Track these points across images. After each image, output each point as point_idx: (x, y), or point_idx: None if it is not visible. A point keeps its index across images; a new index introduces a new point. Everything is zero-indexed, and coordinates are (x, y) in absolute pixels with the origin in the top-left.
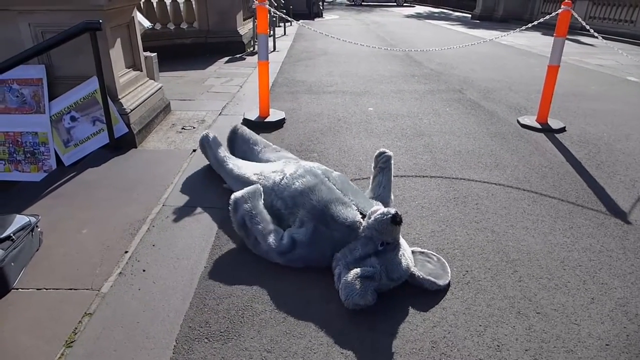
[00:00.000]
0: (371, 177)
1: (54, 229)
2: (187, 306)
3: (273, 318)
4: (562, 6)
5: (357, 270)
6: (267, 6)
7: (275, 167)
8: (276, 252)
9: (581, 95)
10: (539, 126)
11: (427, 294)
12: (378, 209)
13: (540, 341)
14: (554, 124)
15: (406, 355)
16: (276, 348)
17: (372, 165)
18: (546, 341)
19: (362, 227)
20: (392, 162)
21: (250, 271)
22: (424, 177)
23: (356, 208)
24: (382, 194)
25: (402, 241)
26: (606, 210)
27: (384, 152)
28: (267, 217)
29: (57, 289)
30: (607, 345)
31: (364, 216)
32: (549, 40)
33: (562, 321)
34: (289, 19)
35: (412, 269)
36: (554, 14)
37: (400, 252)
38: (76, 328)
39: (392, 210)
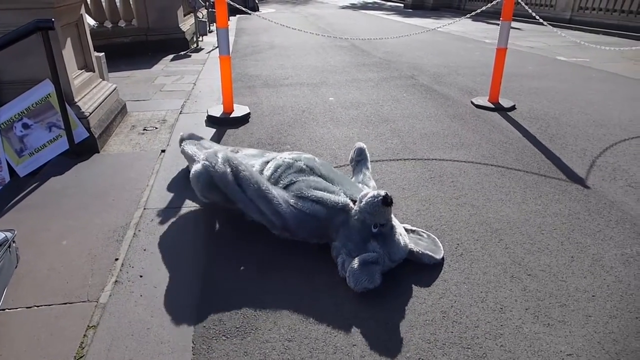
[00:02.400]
0: (351, 169)
1: (29, 243)
2: (196, 304)
3: (286, 308)
4: None
5: (363, 256)
6: None
7: (258, 162)
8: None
9: (521, 75)
10: (492, 106)
11: (425, 270)
12: (367, 192)
13: (537, 299)
14: (505, 103)
15: (421, 327)
16: (296, 336)
17: (349, 159)
18: (541, 299)
19: (353, 211)
20: (367, 152)
21: (251, 264)
22: (397, 160)
23: (345, 195)
24: (363, 180)
25: (395, 221)
26: (566, 178)
27: (357, 146)
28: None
29: (49, 305)
30: (593, 296)
31: (354, 202)
32: (479, 26)
33: (551, 280)
34: (247, 11)
35: (410, 246)
36: (494, 2)
37: (397, 232)
38: (82, 342)
39: (382, 192)
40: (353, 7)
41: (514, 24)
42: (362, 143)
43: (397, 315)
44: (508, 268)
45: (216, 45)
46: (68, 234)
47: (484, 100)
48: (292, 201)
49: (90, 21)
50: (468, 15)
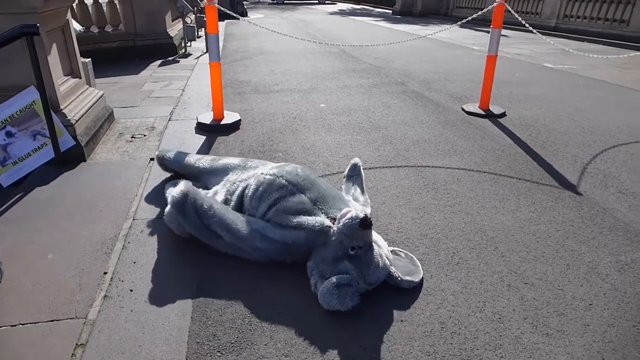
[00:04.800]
0: (344, 182)
1: (13, 257)
2: (188, 321)
3: (281, 322)
4: (497, 0)
5: (332, 280)
6: (216, 4)
7: (239, 177)
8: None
9: (509, 82)
10: (482, 112)
11: (425, 279)
12: (347, 212)
13: (535, 309)
14: (495, 109)
15: (420, 339)
16: (293, 351)
17: (344, 174)
18: (539, 308)
19: (332, 231)
20: (361, 169)
21: (244, 277)
22: (391, 167)
23: (324, 214)
24: (354, 194)
25: (379, 239)
26: (558, 184)
27: (351, 162)
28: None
29: (35, 323)
30: (590, 304)
31: (334, 220)
32: (467, 33)
33: (547, 288)
34: (236, 16)
35: (390, 269)
36: (490, 7)
37: (376, 253)
38: None
39: (361, 214)
40: (342, 13)
41: (502, 32)
42: (357, 159)
43: (395, 326)
44: (505, 277)
45: (205, 51)
46: (54, 247)
47: (474, 107)
48: (270, 234)
49: (76, 26)
50: (458, 23)
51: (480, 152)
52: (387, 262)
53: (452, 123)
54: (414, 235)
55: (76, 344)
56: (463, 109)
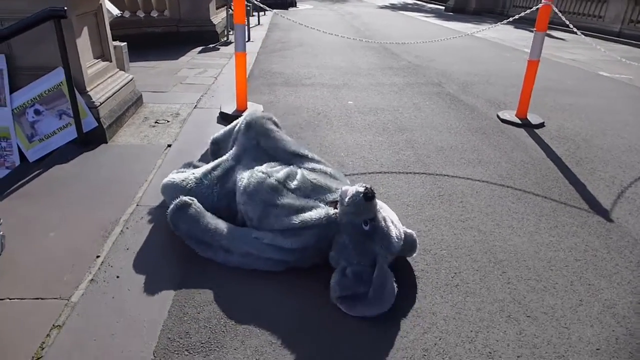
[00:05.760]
0: None
1: (18, 232)
2: (165, 315)
3: (258, 327)
4: (543, 0)
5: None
6: None
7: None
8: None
9: (556, 90)
10: (518, 121)
11: (414, 299)
12: (347, 190)
13: (532, 347)
14: (533, 119)
15: None
16: (262, 359)
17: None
18: (537, 346)
19: (339, 214)
20: None
21: (232, 275)
22: (407, 173)
23: (324, 203)
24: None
25: (383, 208)
26: (588, 207)
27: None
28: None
29: (21, 299)
30: (597, 349)
31: (335, 203)
32: (521, 34)
33: (552, 325)
34: (265, 8)
35: (402, 229)
36: (534, 8)
37: (389, 220)
38: (43, 342)
39: (361, 188)
40: (392, 7)
41: (558, 34)
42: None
43: (373, 346)
44: (506, 306)
45: (246, 40)
46: (58, 225)
47: (510, 115)
48: (281, 243)
49: (113, 10)
50: (505, 21)
51: (507, 165)
52: (399, 226)
53: (483, 130)
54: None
55: (53, 325)
56: (498, 116)
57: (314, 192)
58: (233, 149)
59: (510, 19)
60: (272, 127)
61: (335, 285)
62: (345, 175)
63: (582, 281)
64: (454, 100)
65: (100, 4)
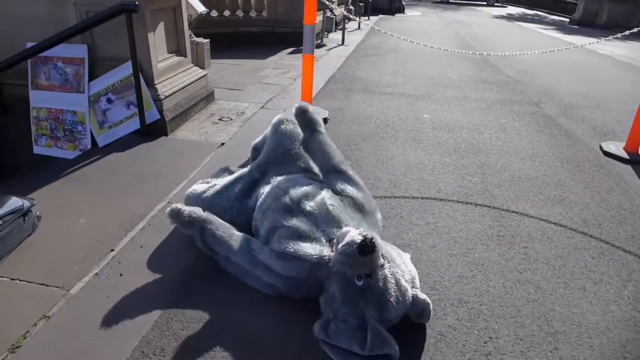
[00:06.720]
0: None
1: (54, 213)
2: (149, 326)
3: (241, 356)
4: None
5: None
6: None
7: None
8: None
9: None
10: (626, 156)
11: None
12: (345, 234)
13: None
14: None
15: None
16: None
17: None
18: None
19: (333, 259)
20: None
21: (235, 298)
22: (467, 203)
23: (326, 236)
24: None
25: (395, 255)
26: None
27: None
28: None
29: (29, 282)
30: None
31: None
32: None
33: None
34: (353, 17)
35: (410, 292)
36: None
37: (390, 279)
38: (27, 332)
39: (358, 237)
40: (508, 17)
41: None
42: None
43: None
44: None
45: (340, 43)
46: (90, 213)
47: (617, 147)
48: (274, 266)
49: (198, 8)
50: (615, 36)
51: (598, 208)
52: (410, 286)
53: (577, 163)
54: (449, 298)
55: (44, 315)
56: (601, 147)
57: (326, 221)
58: (259, 157)
59: (626, 32)
60: (313, 128)
61: (320, 330)
62: (395, 197)
63: None
64: (549, 123)
65: (180, 0)
